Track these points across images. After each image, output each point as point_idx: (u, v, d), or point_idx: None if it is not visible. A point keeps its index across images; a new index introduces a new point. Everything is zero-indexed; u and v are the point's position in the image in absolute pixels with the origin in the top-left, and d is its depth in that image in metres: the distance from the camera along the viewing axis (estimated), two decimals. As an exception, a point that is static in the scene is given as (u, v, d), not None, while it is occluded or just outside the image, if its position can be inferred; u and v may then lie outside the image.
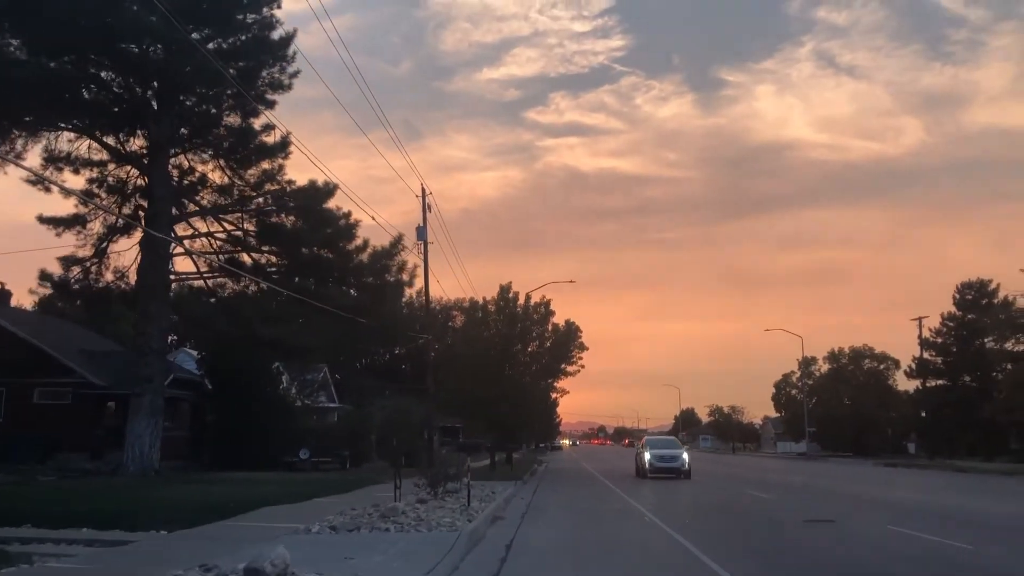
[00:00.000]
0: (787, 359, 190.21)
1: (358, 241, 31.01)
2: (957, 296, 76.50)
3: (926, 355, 76.07)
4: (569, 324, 41.02)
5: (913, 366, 77.96)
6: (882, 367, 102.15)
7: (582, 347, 49.91)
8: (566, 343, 40.89)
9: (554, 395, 54.76)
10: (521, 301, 39.40)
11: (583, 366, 50.62)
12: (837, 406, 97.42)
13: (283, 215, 30.57)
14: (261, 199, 30.89)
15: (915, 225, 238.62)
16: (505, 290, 39.36)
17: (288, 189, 30.70)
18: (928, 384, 76.69)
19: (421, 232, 47.34)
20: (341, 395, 62.37)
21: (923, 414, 78.79)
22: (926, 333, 75.91)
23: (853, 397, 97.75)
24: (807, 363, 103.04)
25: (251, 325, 31.53)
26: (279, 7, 30.37)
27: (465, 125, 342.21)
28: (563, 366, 42.83)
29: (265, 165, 31.80)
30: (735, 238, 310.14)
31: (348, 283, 31.77)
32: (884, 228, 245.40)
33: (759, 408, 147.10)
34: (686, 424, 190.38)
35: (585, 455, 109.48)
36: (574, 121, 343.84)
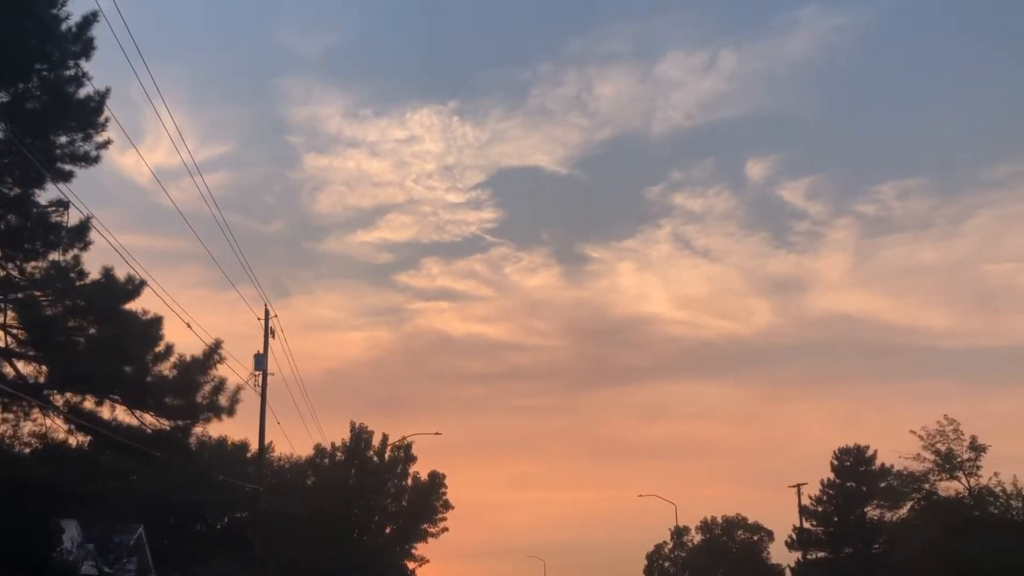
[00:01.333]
0: (660, 528, 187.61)
1: (159, 348, 23.57)
2: (835, 462, 73.32)
3: (806, 524, 71.78)
4: (433, 475, 34.07)
5: (793, 536, 73.34)
6: (756, 538, 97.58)
7: (447, 505, 42.66)
8: (428, 497, 33.78)
9: (413, 565, 46.53)
10: (376, 443, 32.51)
11: (447, 528, 43.31)
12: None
13: (58, 309, 23.07)
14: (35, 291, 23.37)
15: (768, 401, 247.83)
16: (358, 431, 32.40)
17: (74, 283, 23.37)
18: (809, 556, 72.01)
19: (260, 361, 39.89)
20: (160, 564, 51.46)
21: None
22: (805, 501, 72.00)
23: (728, 571, 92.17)
24: (680, 532, 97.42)
25: (16, 463, 23.31)
26: (88, 59, 24.23)
27: (335, 285, 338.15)
28: (424, 527, 35.51)
29: (53, 256, 24.59)
30: (599, 407, 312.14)
31: (146, 405, 24.09)
32: (739, 403, 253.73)
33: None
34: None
35: None
36: (445, 286, 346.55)
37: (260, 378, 39.87)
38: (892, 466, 70.71)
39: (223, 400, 24.98)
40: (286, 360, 47.47)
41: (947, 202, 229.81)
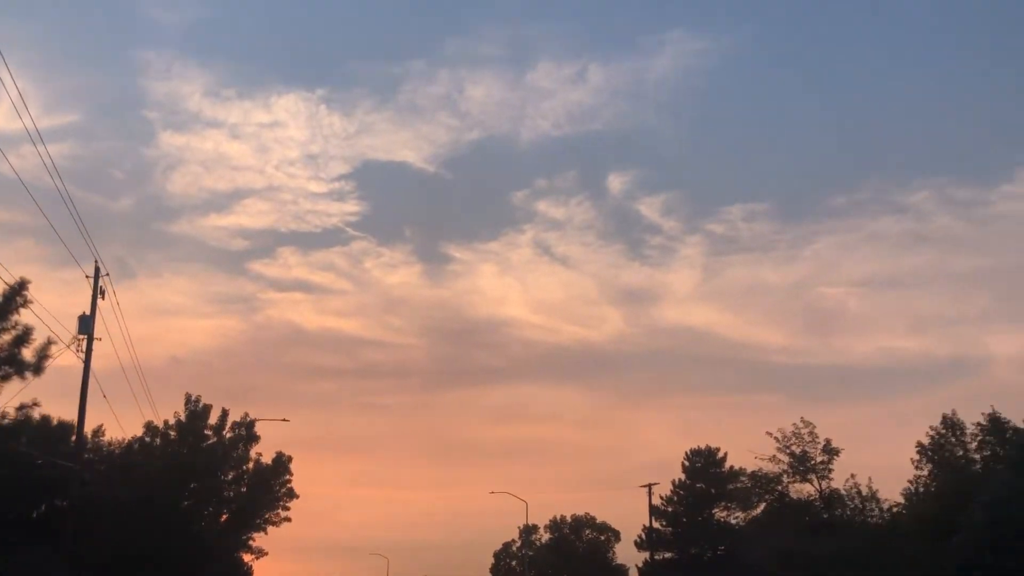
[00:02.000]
0: (510, 527, 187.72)
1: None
2: (687, 463, 73.55)
3: (656, 524, 71.67)
4: (279, 458, 30.34)
5: (642, 536, 73.10)
6: (603, 538, 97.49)
7: (291, 493, 38.93)
8: (271, 481, 30.09)
9: (249, 558, 42.39)
10: (214, 419, 28.61)
11: (289, 518, 39.56)
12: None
13: None
14: None
15: (616, 406, 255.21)
16: (194, 404, 28.44)
17: None
18: (656, 556, 71.92)
19: (85, 323, 35.03)
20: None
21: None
22: (656, 501, 71.89)
23: (574, 571, 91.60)
24: (529, 531, 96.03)
25: None
26: None
27: (185, 269, 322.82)
28: (265, 515, 31.90)
29: None
30: (453, 407, 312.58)
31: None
32: (589, 407, 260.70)
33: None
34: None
35: None
36: (302, 278, 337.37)
37: (84, 343, 35.13)
38: (743, 468, 71.92)
39: (27, 355, 20.81)
40: (119, 329, 42.31)
41: (789, 227, 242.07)
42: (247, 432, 29.12)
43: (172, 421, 28.60)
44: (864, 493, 45.58)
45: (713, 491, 71.45)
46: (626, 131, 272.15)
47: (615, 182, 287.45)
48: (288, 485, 37.77)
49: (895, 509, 46.22)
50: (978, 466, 49.75)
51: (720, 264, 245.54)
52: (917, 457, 49.89)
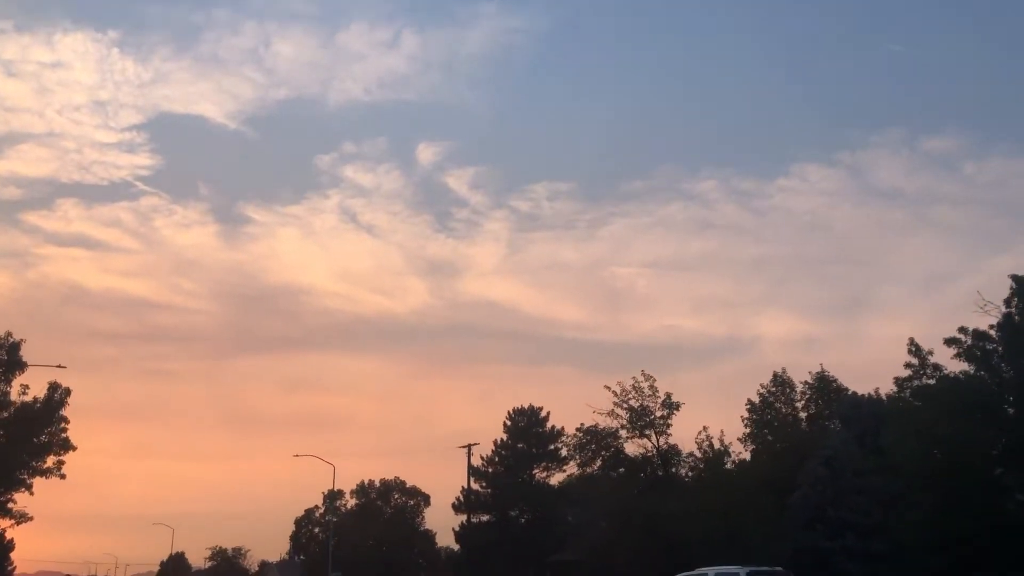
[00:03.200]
0: (315, 495, 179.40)
1: None
2: (508, 423, 70.36)
3: (475, 486, 68.13)
4: (53, 391, 23.27)
5: (460, 498, 69.33)
6: (412, 502, 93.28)
7: (67, 444, 31.59)
8: (40, 421, 23.09)
9: (6, 523, 34.32)
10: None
11: (63, 474, 32.15)
12: (363, 546, 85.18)
13: None
14: None
15: (415, 376, 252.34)
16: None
17: None
18: (474, 519, 68.50)
19: None
20: None
21: (461, 553, 70.48)
22: (477, 462, 68.29)
23: (380, 536, 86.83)
24: (334, 496, 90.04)
25: None
26: None
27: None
28: (32, 462, 24.94)
29: None
30: (244, 376, 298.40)
31: None
32: (389, 377, 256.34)
33: (278, 550, 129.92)
34: (176, 571, 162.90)
35: None
36: (83, 232, 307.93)
37: None
38: (563, 428, 69.88)
39: None
40: None
41: (589, 207, 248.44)
42: (9, 357, 22.04)
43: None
44: (716, 447, 43.74)
45: (535, 451, 68.88)
46: (438, 102, 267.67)
47: (425, 152, 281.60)
48: (63, 433, 30.60)
49: (732, 465, 44.82)
50: (803, 425, 49.65)
51: (524, 240, 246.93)
52: (747, 415, 49.05)
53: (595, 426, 47.48)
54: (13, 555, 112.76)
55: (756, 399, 49.43)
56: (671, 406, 46.72)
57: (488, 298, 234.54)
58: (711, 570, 29.81)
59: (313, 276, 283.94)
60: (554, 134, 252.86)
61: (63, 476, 31.59)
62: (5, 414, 22.08)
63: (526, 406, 70.88)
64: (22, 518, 34.26)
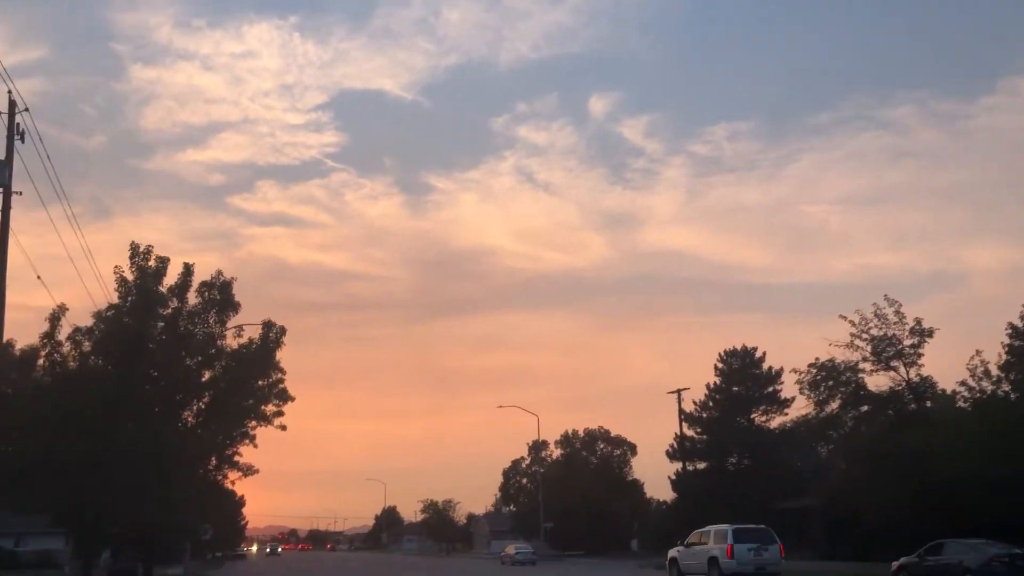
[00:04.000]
0: (513, 449, 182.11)
1: None
2: (721, 366, 65.86)
3: (689, 432, 64.44)
4: (267, 328, 21.61)
5: (674, 445, 65.81)
6: (617, 452, 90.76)
7: (284, 395, 30.59)
8: (258, 364, 21.57)
9: (235, 476, 34.15)
10: (171, 278, 20.02)
11: (283, 425, 31.27)
12: (571, 496, 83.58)
13: None
14: None
15: (600, 330, 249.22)
16: (141, 254, 19.79)
17: None
18: (689, 466, 64.81)
19: (-2, 171, 26.03)
20: None
21: (681, 503, 67.12)
22: (692, 407, 64.46)
23: (587, 486, 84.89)
24: (539, 447, 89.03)
25: None
26: None
27: (163, 206, 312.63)
28: (258, 407, 23.78)
29: None
30: (436, 338, 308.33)
31: None
32: (571, 333, 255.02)
33: (484, 502, 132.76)
34: (390, 524, 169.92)
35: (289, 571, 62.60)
36: (281, 211, 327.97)
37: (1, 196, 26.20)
38: (781, 368, 64.67)
39: None
40: (48, 179, 32.59)
41: (772, 146, 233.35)
42: (221, 296, 20.42)
43: (113, 283, 19.80)
44: (992, 374, 37.51)
45: (753, 393, 64.07)
46: (607, 52, 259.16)
47: (597, 105, 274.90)
48: (281, 385, 29.38)
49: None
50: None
51: (703, 185, 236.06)
52: (1008, 340, 42.05)
53: (831, 360, 42.24)
54: (244, 510, 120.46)
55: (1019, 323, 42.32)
56: (922, 333, 40.71)
57: (669, 247, 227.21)
58: (711, 528, 34.33)
59: (494, 238, 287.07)
60: (730, 72, 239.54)
61: (284, 428, 30.41)
62: (222, 359, 20.66)
63: (739, 347, 66.04)
64: (249, 471, 33.81)
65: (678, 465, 65.84)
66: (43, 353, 19.16)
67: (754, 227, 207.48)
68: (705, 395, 65.37)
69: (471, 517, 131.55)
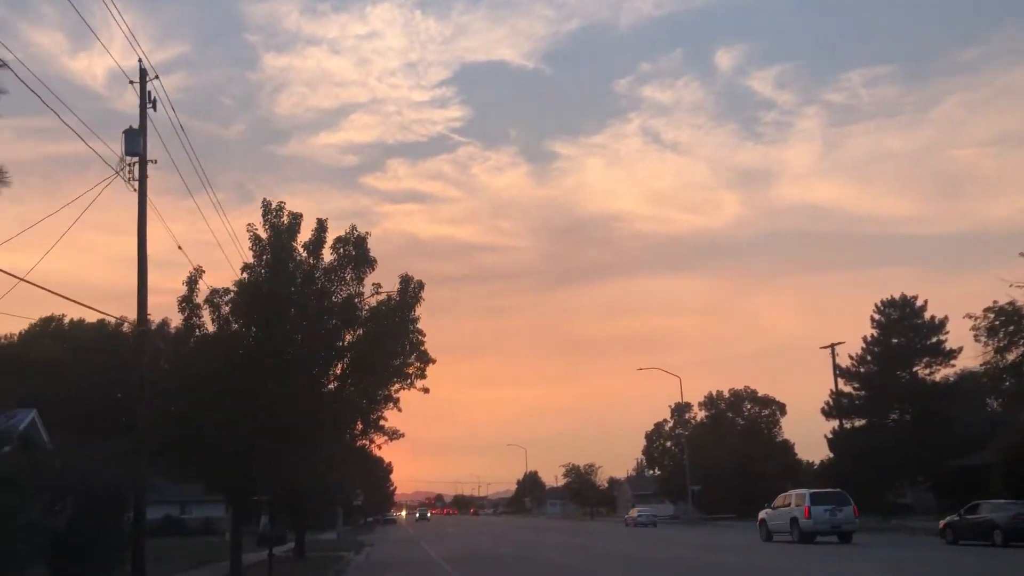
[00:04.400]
0: (658, 410, 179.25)
1: None
2: (878, 317, 61.50)
3: (846, 388, 60.60)
4: (405, 283, 20.61)
5: (829, 402, 62.11)
6: (766, 412, 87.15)
7: (425, 356, 29.83)
8: (398, 321, 20.62)
9: (381, 440, 33.86)
10: (305, 235, 19.23)
11: (426, 387, 30.55)
12: (717, 458, 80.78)
13: None
14: None
15: (735, 292, 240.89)
16: (274, 212, 19.08)
17: None
18: (846, 424, 61.02)
19: (133, 139, 25.90)
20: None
21: (835, 462, 63.49)
22: (847, 362, 60.55)
23: (734, 448, 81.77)
24: (682, 409, 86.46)
25: None
26: None
27: (300, 189, 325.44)
28: (402, 367, 23.11)
29: None
30: (566, 305, 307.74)
31: None
32: (706, 295, 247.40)
33: (626, 466, 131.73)
34: (532, 488, 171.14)
35: (443, 537, 55.88)
36: (412, 188, 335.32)
37: (136, 168, 26.31)
38: (946, 317, 59.84)
39: None
40: (181, 149, 32.57)
41: (913, 88, 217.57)
42: (357, 252, 19.48)
43: (247, 240, 19.14)
44: None
45: (916, 345, 59.51)
46: (733, 3, 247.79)
47: (724, 58, 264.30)
48: (422, 345, 28.59)
49: None
50: None
51: (840, 135, 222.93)
52: None
53: (1011, 303, 38.06)
54: (392, 476, 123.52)
55: None
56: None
57: (806, 202, 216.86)
58: (793, 492, 38.34)
59: (622, 202, 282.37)
60: (866, 15, 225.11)
61: (426, 390, 29.68)
62: (361, 317, 19.76)
63: (896, 297, 61.42)
64: (395, 435, 33.44)
65: (834, 423, 62.13)
66: (181, 318, 18.69)
67: (898, 176, 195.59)
68: (862, 348, 61.29)
69: (612, 481, 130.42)
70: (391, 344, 20.53)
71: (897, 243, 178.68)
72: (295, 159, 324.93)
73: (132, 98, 23.80)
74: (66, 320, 71.22)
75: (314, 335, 19.23)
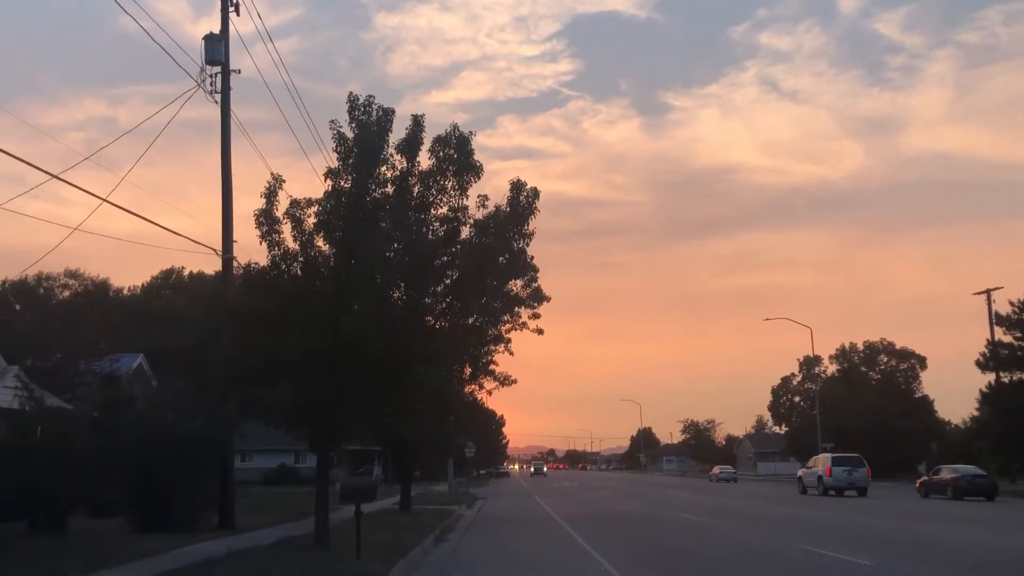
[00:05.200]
0: (784, 365, 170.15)
1: None
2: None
3: (1007, 338, 53.96)
4: (516, 189, 16.99)
5: (986, 353, 55.59)
6: (904, 366, 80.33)
7: (539, 295, 26.50)
8: (509, 236, 17.09)
9: (488, 386, 30.70)
10: (398, 135, 15.94)
11: (540, 328, 27.29)
12: (850, 416, 74.82)
13: None
14: None
15: (857, 245, 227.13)
16: (361, 107, 15.85)
17: None
18: (1004, 378, 54.51)
19: (213, 46, 23.17)
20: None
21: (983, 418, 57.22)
22: (1007, 310, 53.87)
23: (868, 403, 75.61)
24: (811, 363, 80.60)
25: None
26: None
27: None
28: (515, 302, 19.82)
29: None
30: (680, 260, 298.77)
31: None
32: (827, 250, 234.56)
33: (745, 424, 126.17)
34: (647, 445, 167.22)
35: (560, 493, 52.58)
36: (522, 144, 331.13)
37: (217, 78, 23.66)
38: None
39: None
40: (269, 59, 29.96)
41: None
42: (459, 155, 16.02)
43: (331, 142, 15.96)
44: None
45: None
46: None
47: (846, 1, 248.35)
48: (534, 284, 25.27)
49: None
50: None
51: (976, 78, 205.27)
52: None
53: None
54: (504, 430, 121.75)
55: None
56: None
57: (936, 151, 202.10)
58: (820, 456, 48.98)
59: (739, 153, 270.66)
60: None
61: (540, 331, 26.40)
62: (467, 235, 16.37)
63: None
64: (507, 380, 30.43)
65: (989, 377, 55.61)
66: (259, 232, 15.69)
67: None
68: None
69: (729, 439, 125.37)
70: (498, 267, 16.97)
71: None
72: (407, 119, 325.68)
73: None
74: (186, 272, 71.55)
75: (410, 250, 15.95)
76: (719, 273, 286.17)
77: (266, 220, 16.02)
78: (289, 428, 15.63)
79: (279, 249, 15.90)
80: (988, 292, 55.53)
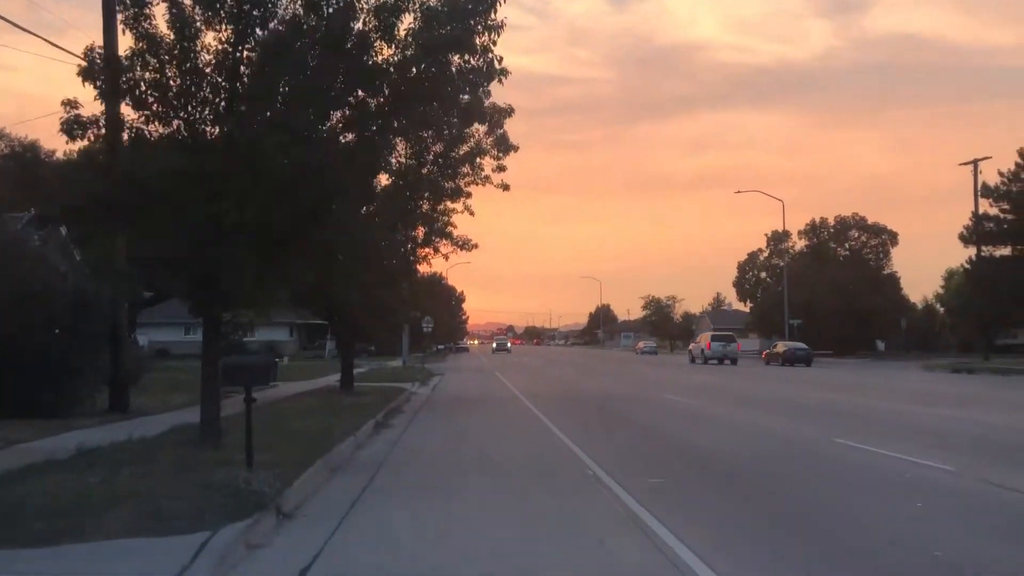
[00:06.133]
0: (751, 241, 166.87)
1: None
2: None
3: (992, 210, 51.10)
4: None
5: (969, 226, 52.78)
6: (875, 242, 77.86)
7: (505, 143, 22.32)
8: (462, 35, 12.67)
9: (445, 250, 26.54)
10: None
11: (506, 183, 23.36)
12: (818, 293, 72.52)
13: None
14: None
15: (821, 128, 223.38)
16: None
17: None
18: (985, 251, 51.99)
19: None
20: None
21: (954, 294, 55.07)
22: (995, 179, 50.76)
23: (835, 279, 73.35)
24: (779, 238, 77.72)
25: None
26: None
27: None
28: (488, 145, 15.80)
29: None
30: (643, 140, 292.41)
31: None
32: (789, 131, 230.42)
33: (705, 301, 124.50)
34: (605, 321, 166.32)
35: (521, 368, 50.06)
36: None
37: None
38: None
39: None
40: None
41: None
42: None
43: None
44: None
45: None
46: None
47: None
48: (500, 130, 21.09)
49: None
50: None
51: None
52: None
53: None
54: (464, 306, 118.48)
55: None
56: None
57: (904, 32, 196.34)
58: (703, 332, 66.51)
59: (705, 30, 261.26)
60: None
61: (506, 187, 22.60)
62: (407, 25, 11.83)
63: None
64: (466, 244, 26.33)
65: (958, 257, 53.08)
66: (122, 17, 10.95)
67: (1011, 2, 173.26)
68: (1015, 165, 51.11)
69: (687, 316, 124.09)
70: (450, 70, 12.31)
71: (1010, 77, 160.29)
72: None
73: None
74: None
75: (329, 48, 11.36)
76: (685, 154, 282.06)
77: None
78: (172, 275, 11.42)
79: (143, 42, 11.20)
80: (975, 163, 52.15)
